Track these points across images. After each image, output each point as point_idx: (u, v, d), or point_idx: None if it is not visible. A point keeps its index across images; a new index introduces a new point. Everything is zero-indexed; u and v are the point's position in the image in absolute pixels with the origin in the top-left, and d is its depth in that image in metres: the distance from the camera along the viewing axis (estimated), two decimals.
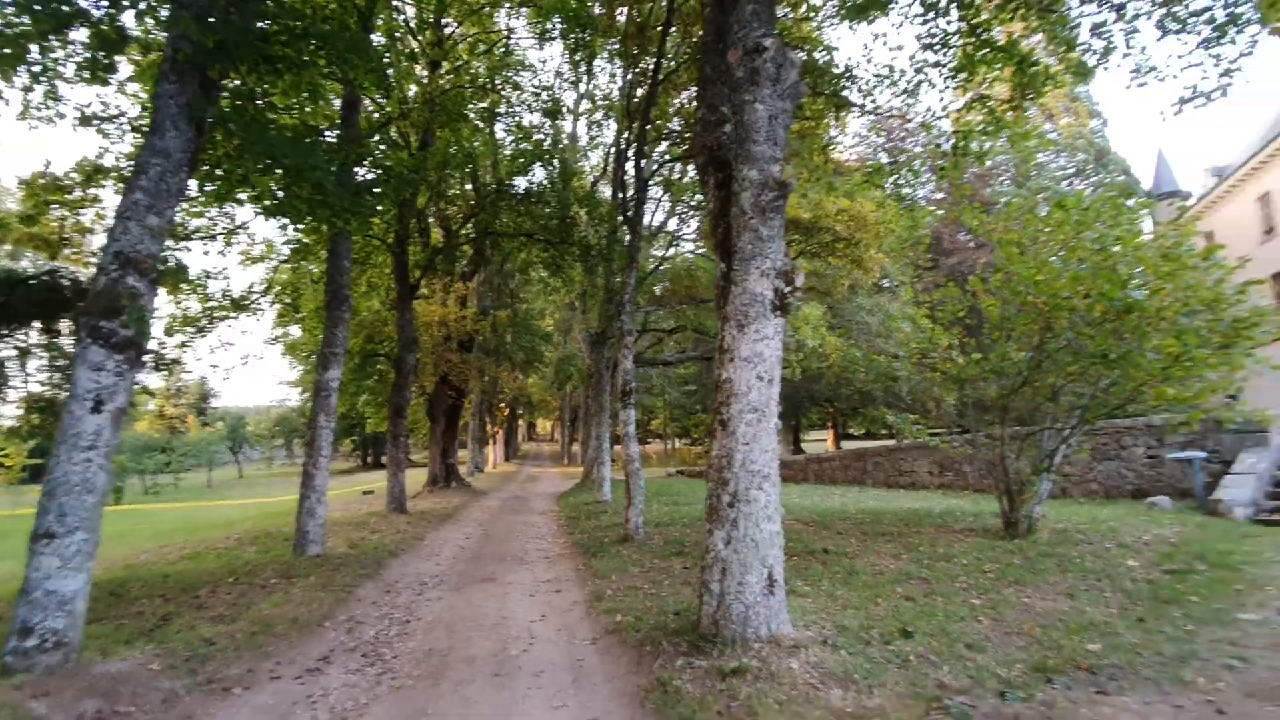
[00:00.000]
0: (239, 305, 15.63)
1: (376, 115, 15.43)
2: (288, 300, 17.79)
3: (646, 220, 27.28)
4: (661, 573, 8.04)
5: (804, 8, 10.21)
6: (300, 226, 10.15)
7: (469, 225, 19.33)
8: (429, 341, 20.65)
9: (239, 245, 17.03)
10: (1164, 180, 37.29)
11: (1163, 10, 6.92)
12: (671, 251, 26.44)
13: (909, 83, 8.88)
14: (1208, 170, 34.26)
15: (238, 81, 6.88)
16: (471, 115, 16.18)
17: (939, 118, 9.77)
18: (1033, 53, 8.03)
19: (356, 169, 11.34)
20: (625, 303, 11.52)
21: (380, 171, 10.09)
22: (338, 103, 12.20)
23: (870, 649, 4.63)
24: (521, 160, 17.35)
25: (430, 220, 22.60)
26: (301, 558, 9.81)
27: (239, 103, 6.96)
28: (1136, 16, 6.97)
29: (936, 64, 8.51)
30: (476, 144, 18.20)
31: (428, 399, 23.11)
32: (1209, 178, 33.75)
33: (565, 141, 28.17)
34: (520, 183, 18.64)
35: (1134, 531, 8.15)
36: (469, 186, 21.54)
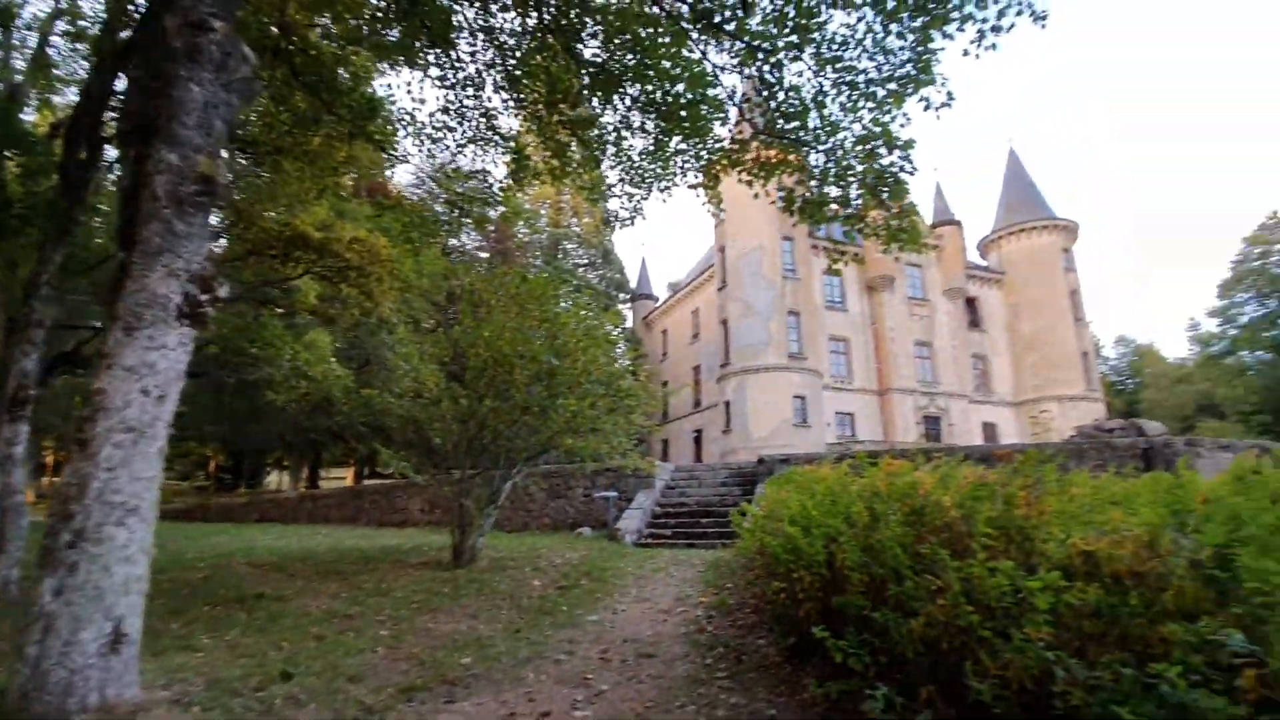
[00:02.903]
0: None
1: None
2: None
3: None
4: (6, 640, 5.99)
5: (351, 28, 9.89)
6: None
7: None
8: None
9: None
10: (644, 283, 48.82)
11: (613, 148, 9.09)
12: None
13: (426, 137, 9.47)
14: (668, 283, 46.44)
15: None
16: None
17: (449, 177, 10.65)
18: (526, 147, 9.58)
19: None
20: (41, 284, 8.74)
21: None
22: None
23: (237, 699, 4.25)
24: None
25: None
26: None
27: None
28: (596, 148, 9.01)
29: (452, 129, 9.31)
30: None
31: None
32: (667, 289, 45.74)
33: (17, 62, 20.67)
34: None
35: (553, 556, 9.83)
36: None
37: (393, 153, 9.78)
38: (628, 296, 47.00)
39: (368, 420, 9.59)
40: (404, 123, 9.65)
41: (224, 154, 11.54)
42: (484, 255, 41.49)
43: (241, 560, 10.25)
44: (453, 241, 39.29)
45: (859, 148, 6.46)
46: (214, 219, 5.14)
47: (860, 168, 6.43)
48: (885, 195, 6.40)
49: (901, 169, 6.29)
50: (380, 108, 9.73)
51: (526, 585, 7.89)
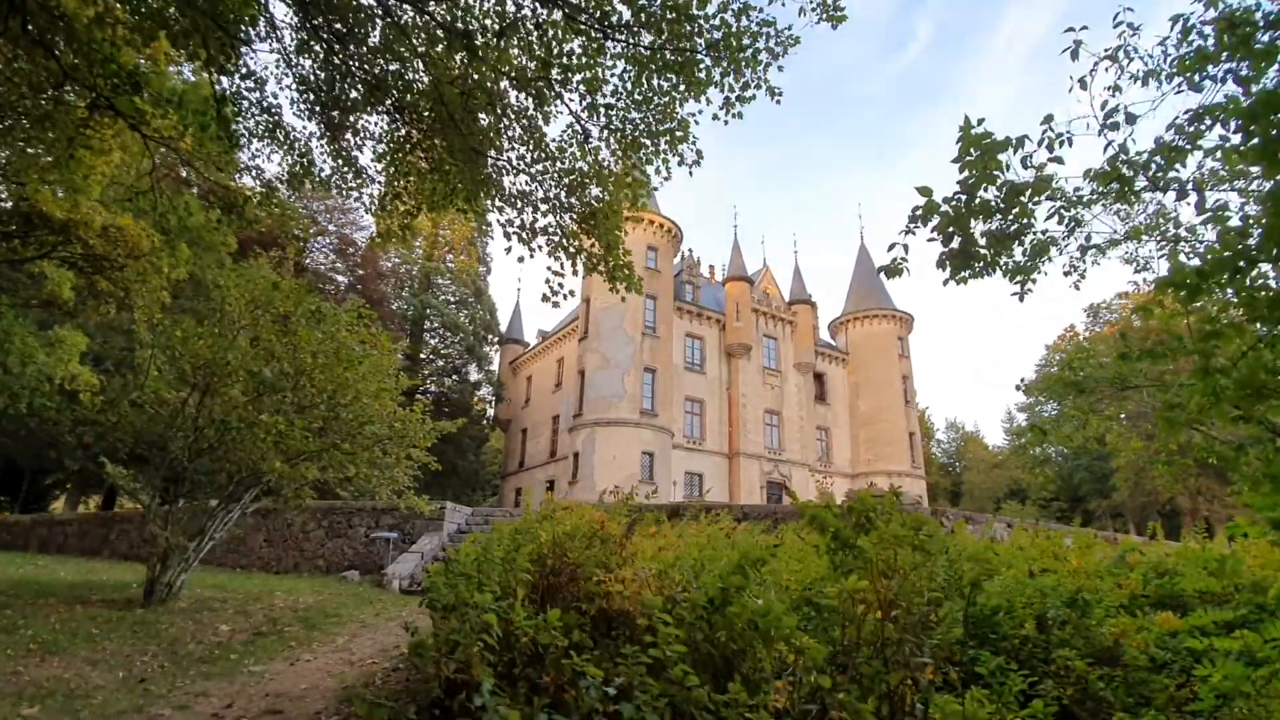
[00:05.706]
0: None
1: None
2: None
3: None
4: None
5: None
6: None
7: None
8: None
9: None
10: (515, 328, 48.13)
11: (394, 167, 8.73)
12: None
13: (196, 125, 8.66)
14: (538, 330, 46.03)
15: None
16: None
17: (220, 170, 9.77)
18: (310, 153, 9.01)
19: None
20: None
21: None
22: None
23: None
24: None
25: None
26: None
27: None
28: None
29: (228, 121, 8.58)
30: None
31: None
32: (537, 336, 45.32)
33: None
34: None
35: (281, 600, 8.74)
36: None
37: (151, 135, 8.80)
38: (496, 339, 45.96)
39: (84, 431, 8.22)
40: (173, 103, 8.78)
41: None
42: (340, 279, 39.30)
43: None
44: (307, 261, 36.80)
45: (569, 180, 6.58)
46: None
47: (570, 199, 6.57)
48: (593, 227, 6.53)
49: (607, 203, 6.44)
50: (146, 84, 8.80)
51: (209, 630, 6.84)
